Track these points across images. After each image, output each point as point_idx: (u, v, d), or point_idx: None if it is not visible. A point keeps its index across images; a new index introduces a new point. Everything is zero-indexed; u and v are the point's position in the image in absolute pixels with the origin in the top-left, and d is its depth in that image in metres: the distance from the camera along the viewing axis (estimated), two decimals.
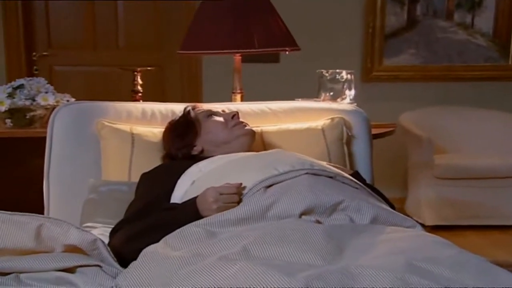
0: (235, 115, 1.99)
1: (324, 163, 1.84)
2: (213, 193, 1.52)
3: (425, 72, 4.70)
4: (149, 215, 1.64)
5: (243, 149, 1.92)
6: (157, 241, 1.42)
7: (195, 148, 1.97)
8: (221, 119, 1.99)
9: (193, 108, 2.06)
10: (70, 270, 1.43)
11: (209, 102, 2.27)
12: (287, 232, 1.33)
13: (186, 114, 2.04)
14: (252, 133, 1.99)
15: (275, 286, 1.04)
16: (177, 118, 2.07)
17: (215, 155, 1.87)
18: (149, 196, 1.75)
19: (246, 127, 1.98)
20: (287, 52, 2.65)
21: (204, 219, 1.47)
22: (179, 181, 1.75)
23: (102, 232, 1.79)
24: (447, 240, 1.37)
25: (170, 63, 4.58)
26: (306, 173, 1.61)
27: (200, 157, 1.92)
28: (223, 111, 2.05)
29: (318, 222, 1.48)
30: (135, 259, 1.37)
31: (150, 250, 1.36)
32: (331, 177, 1.65)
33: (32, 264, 1.41)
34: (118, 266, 1.46)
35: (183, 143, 1.97)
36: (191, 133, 1.97)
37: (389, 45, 4.67)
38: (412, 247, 1.29)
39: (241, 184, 1.55)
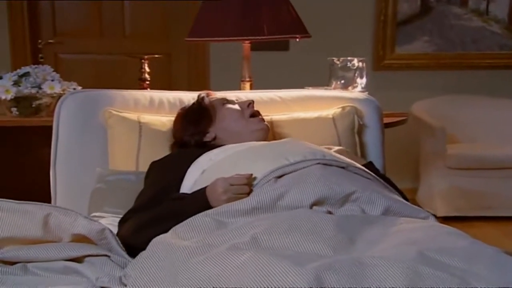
0: (251, 103, 2.00)
1: (336, 148, 1.85)
2: (223, 183, 1.53)
3: (439, 60, 4.68)
4: (159, 204, 1.65)
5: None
6: (166, 231, 1.42)
7: (208, 135, 1.97)
8: (237, 107, 2.00)
9: (207, 95, 2.06)
10: (78, 260, 1.44)
11: (217, 90, 2.27)
12: (297, 222, 1.33)
13: (200, 100, 2.05)
14: (267, 129, 1.99)
15: (285, 276, 1.05)
16: (190, 104, 2.07)
17: (226, 144, 1.88)
18: (159, 185, 1.76)
19: (263, 123, 1.99)
20: (297, 40, 2.64)
21: (214, 209, 1.48)
22: (188, 170, 1.75)
23: (110, 221, 1.81)
24: (460, 231, 1.37)
25: (177, 50, 4.58)
26: (318, 163, 1.61)
27: (211, 145, 1.93)
28: (236, 99, 2.06)
29: (330, 213, 1.49)
30: (144, 249, 1.38)
31: (159, 240, 1.36)
32: (343, 167, 1.65)
33: (39, 253, 1.42)
34: (126, 255, 1.47)
35: (196, 129, 1.98)
36: (205, 120, 1.98)
37: (402, 32, 4.65)
38: (424, 237, 1.29)
39: (251, 175, 1.55)
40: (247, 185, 1.53)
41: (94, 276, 1.36)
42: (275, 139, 2.06)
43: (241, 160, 1.69)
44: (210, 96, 2.07)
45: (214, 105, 2.01)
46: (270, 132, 2.06)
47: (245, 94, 2.35)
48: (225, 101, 2.03)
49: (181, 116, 2.05)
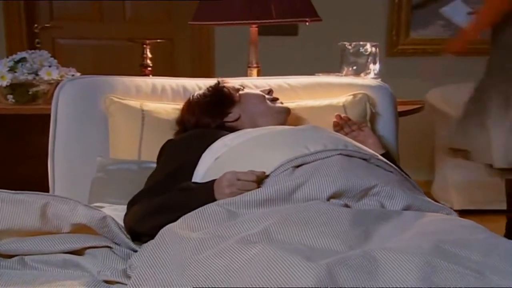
0: (271, 91, 2.09)
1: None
2: (231, 176, 1.52)
3: None
4: (169, 189, 1.66)
5: (278, 125, 1.96)
6: (172, 221, 1.42)
7: (230, 115, 2.00)
8: (259, 91, 2.07)
9: (223, 82, 2.11)
10: (78, 252, 1.44)
11: (222, 77, 2.27)
12: (311, 215, 1.33)
13: (218, 85, 2.09)
14: (288, 110, 2.08)
15: (295, 272, 1.05)
16: (206, 89, 2.09)
17: (246, 127, 1.91)
18: (172, 166, 1.77)
19: (283, 105, 2.08)
20: (307, 23, 2.64)
21: (227, 199, 1.48)
22: (203, 156, 1.76)
23: (111, 212, 1.81)
24: (479, 224, 1.37)
25: (180, 35, 4.58)
26: (339, 154, 1.61)
27: (232, 126, 1.96)
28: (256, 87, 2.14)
29: (347, 206, 1.48)
30: (148, 235, 1.39)
31: (168, 230, 1.36)
32: (365, 159, 1.65)
33: (37, 246, 1.42)
34: (130, 243, 1.48)
35: (219, 110, 2.01)
36: (228, 100, 2.02)
37: (417, 16, 4.63)
38: (440, 229, 1.30)
39: (263, 172, 1.54)
40: (256, 182, 1.52)
41: (95, 270, 1.37)
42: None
43: (257, 147, 1.69)
44: (227, 82, 2.12)
45: (236, 89, 2.06)
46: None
47: (252, 81, 2.35)
48: (244, 86, 2.11)
49: (198, 99, 2.06)
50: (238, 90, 2.07)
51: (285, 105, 2.09)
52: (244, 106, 2.02)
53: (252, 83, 2.24)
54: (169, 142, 1.90)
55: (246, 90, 2.08)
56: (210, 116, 2.00)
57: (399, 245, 1.20)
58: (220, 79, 2.14)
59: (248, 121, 1.99)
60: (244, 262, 1.12)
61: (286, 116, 2.06)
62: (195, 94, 2.09)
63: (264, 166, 1.57)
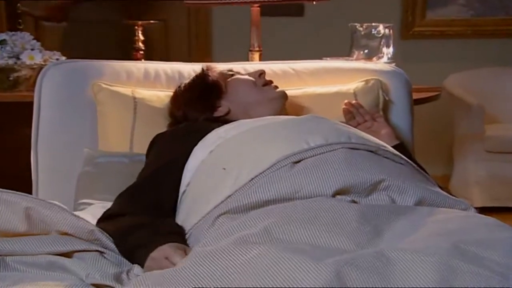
0: (262, 73, 2.04)
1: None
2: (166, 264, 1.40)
3: (477, 26, 4.65)
4: (157, 185, 1.68)
5: (275, 112, 1.95)
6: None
7: (220, 109, 1.99)
8: (247, 77, 2.03)
9: (210, 68, 2.08)
10: (66, 255, 1.45)
11: (221, 61, 2.27)
12: (316, 212, 1.33)
13: (203, 74, 2.06)
14: (285, 95, 2.04)
15: (299, 274, 1.05)
16: (191, 79, 2.08)
17: (240, 119, 1.89)
18: (162, 160, 1.77)
19: (279, 89, 2.04)
20: (314, 2, 2.63)
21: (223, 206, 1.49)
22: (195, 149, 1.76)
23: (100, 209, 1.80)
24: (501, 222, 1.37)
25: (175, 16, 4.57)
26: (342, 148, 1.60)
27: (225, 119, 1.94)
28: (245, 72, 2.08)
29: (354, 202, 1.48)
30: None
31: None
32: (371, 151, 1.64)
33: (22, 247, 1.42)
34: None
35: (205, 104, 1.99)
36: (214, 92, 2.00)
37: None
38: (460, 228, 1.29)
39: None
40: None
41: (84, 273, 1.37)
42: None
43: (254, 140, 1.69)
44: (213, 69, 2.08)
45: (223, 76, 2.04)
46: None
47: (254, 66, 2.35)
48: (233, 72, 2.07)
49: (183, 92, 2.06)
50: (226, 78, 2.03)
51: (281, 89, 2.05)
52: (233, 96, 1.99)
53: (244, 68, 2.20)
54: (158, 136, 1.90)
55: (236, 76, 2.04)
56: (197, 111, 1.99)
57: (415, 245, 1.20)
58: (205, 65, 2.11)
59: (240, 112, 1.96)
60: (242, 264, 1.12)
61: (283, 102, 2.02)
62: (181, 85, 2.08)
63: (260, 162, 1.56)
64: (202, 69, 2.09)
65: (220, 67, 2.13)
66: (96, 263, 1.42)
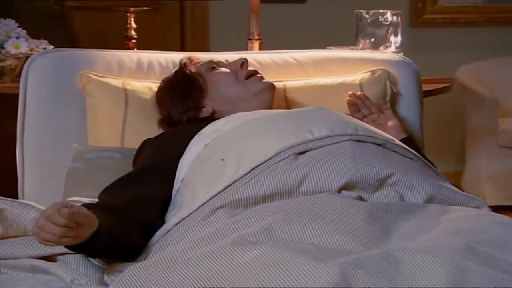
0: (243, 62, 2.00)
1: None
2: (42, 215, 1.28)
3: (491, 14, 4.65)
4: (147, 179, 1.68)
5: (263, 107, 1.93)
6: None
7: (204, 109, 1.98)
8: (227, 70, 2.01)
9: (190, 60, 2.06)
10: (48, 258, 1.46)
11: (218, 51, 2.27)
12: (320, 210, 1.34)
13: (182, 68, 2.05)
14: (272, 87, 2.01)
15: (303, 276, 1.06)
16: (171, 75, 2.07)
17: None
18: (152, 160, 1.78)
19: (264, 80, 2.00)
20: None
21: (221, 198, 1.49)
22: (191, 142, 1.76)
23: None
24: None
25: (169, 2, 4.57)
26: (349, 140, 1.60)
27: (213, 118, 1.93)
28: (226, 61, 2.06)
29: (361, 199, 1.49)
30: None
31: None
32: (379, 144, 1.65)
33: (3, 250, 1.44)
34: None
35: (187, 105, 1.98)
36: (195, 91, 1.98)
37: None
38: (472, 227, 1.30)
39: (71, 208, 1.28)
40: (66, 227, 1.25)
41: (69, 277, 1.38)
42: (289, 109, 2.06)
43: (253, 132, 1.69)
44: (194, 61, 2.06)
45: (201, 72, 2.01)
46: (282, 98, 2.08)
47: (253, 55, 2.35)
48: (213, 64, 2.03)
49: (164, 90, 2.06)
50: (206, 72, 2.00)
51: (266, 80, 2.01)
52: (214, 95, 1.97)
53: (224, 57, 2.17)
54: (147, 141, 1.90)
55: (216, 71, 2.00)
56: (180, 112, 1.99)
57: (424, 245, 1.20)
58: (184, 57, 2.09)
59: (227, 111, 1.92)
60: (244, 266, 1.12)
61: (270, 95, 1.99)
62: (162, 82, 2.08)
63: (260, 153, 1.57)
64: (180, 63, 2.07)
65: (202, 57, 2.11)
66: (80, 267, 1.43)
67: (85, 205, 1.45)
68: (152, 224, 1.56)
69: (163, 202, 1.65)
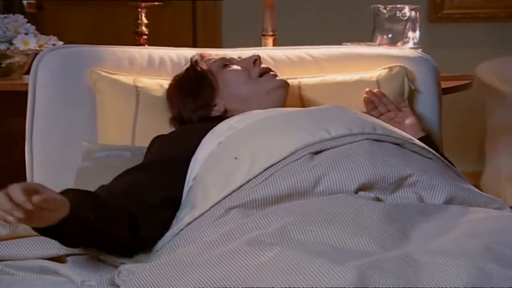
0: (256, 59, 2.01)
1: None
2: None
3: None
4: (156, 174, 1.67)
5: (276, 105, 1.93)
6: None
7: (215, 108, 1.99)
8: (239, 68, 2.01)
9: (202, 57, 2.07)
10: (58, 259, 1.46)
11: (231, 47, 2.27)
12: (336, 211, 1.34)
13: (193, 65, 2.05)
14: (286, 84, 2.01)
15: (319, 277, 1.06)
16: (182, 72, 2.08)
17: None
18: (162, 157, 1.78)
19: (277, 78, 2.01)
20: None
21: (235, 198, 1.49)
22: (203, 140, 1.76)
23: None
24: None
25: None
26: (366, 139, 1.60)
27: (224, 117, 1.93)
28: (239, 57, 2.06)
29: (378, 200, 1.49)
30: None
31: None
32: (397, 144, 1.65)
33: (12, 251, 1.45)
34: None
35: (198, 103, 1.99)
36: (206, 89, 1.99)
37: None
38: (494, 229, 1.30)
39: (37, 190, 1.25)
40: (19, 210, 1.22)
41: (79, 279, 1.39)
42: (304, 107, 2.06)
43: (268, 130, 1.69)
44: (205, 58, 2.07)
45: (213, 70, 2.01)
46: (297, 95, 2.08)
47: (267, 51, 2.35)
48: (226, 61, 2.03)
49: (175, 88, 2.06)
50: (218, 69, 2.01)
51: (280, 77, 2.01)
52: (226, 93, 1.98)
53: (237, 54, 2.17)
54: (157, 138, 1.91)
55: (228, 68, 2.01)
56: (190, 111, 2.00)
57: (444, 247, 1.20)
58: (196, 54, 2.10)
59: (239, 109, 1.92)
60: (259, 267, 1.13)
61: (284, 92, 2.00)
62: (173, 79, 2.08)
63: (275, 152, 1.57)
64: (191, 60, 2.08)
65: (214, 53, 2.12)
66: (91, 268, 1.43)
67: (69, 190, 1.44)
68: (146, 217, 1.53)
69: (165, 200, 1.63)
